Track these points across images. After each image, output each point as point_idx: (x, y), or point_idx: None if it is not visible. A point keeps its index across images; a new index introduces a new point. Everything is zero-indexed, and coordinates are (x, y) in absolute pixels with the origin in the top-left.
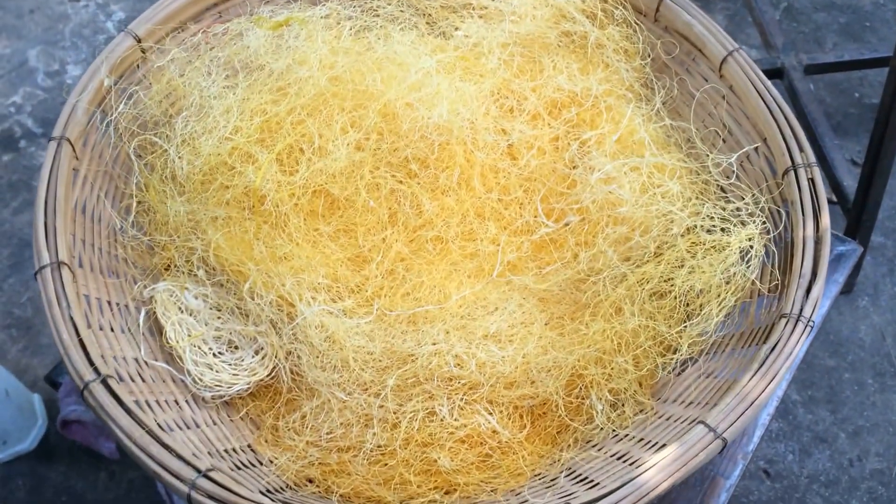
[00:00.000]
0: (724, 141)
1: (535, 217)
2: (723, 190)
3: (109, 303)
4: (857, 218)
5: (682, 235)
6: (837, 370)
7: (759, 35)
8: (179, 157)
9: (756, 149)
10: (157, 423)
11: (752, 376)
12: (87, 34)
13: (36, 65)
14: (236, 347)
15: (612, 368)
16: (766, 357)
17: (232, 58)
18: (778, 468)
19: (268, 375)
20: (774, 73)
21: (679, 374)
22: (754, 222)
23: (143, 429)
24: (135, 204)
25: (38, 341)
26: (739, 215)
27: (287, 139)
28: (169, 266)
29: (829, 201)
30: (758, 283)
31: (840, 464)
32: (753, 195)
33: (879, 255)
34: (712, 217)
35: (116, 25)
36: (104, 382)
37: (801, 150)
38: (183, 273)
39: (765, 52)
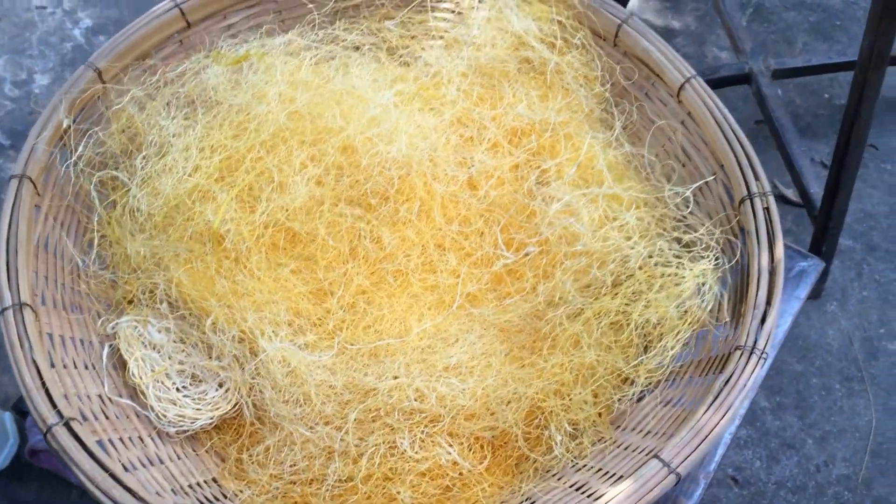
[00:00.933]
0: (683, 165)
1: (496, 248)
2: (684, 217)
3: (73, 339)
4: (823, 225)
5: (639, 268)
6: (805, 375)
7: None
8: (140, 196)
9: (715, 175)
10: (121, 463)
11: (707, 410)
12: (55, 42)
13: (3, 74)
14: (200, 381)
15: (570, 400)
16: (721, 390)
17: (191, 93)
18: (746, 475)
19: (231, 409)
20: (742, 79)
21: (638, 401)
22: (708, 256)
23: (106, 472)
24: (97, 239)
25: (7, 360)
26: (695, 249)
27: (246, 178)
28: (132, 300)
29: (797, 205)
30: (715, 312)
31: (807, 469)
32: (707, 227)
33: (848, 259)
34: (669, 249)
35: (83, 33)
36: (67, 425)
37: (757, 178)
38: (146, 307)
39: (734, 55)
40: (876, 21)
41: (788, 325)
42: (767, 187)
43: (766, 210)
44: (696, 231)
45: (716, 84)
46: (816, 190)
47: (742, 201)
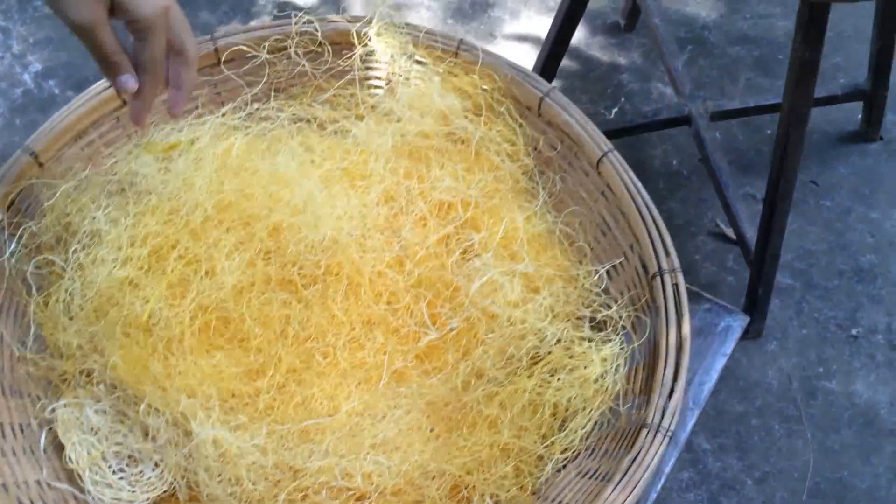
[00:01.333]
0: (604, 235)
1: (422, 325)
2: (598, 295)
3: (12, 425)
4: (758, 269)
5: (557, 341)
6: (746, 416)
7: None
8: (73, 286)
9: (632, 246)
10: None
11: (614, 489)
12: (4, 87)
13: None
14: (137, 462)
15: (492, 475)
16: (628, 468)
17: (123, 181)
18: None
19: (166, 490)
20: (683, 121)
21: (560, 470)
22: (618, 337)
23: None
24: (34, 323)
25: None
26: (608, 328)
27: (176, 267)
28: (70, 383)
29: (734, 242)
30: (630, 383)
31: None
32: (621, 303)
33: (788, 297)
34: (580, 330)
35: (33, 77)
36: None
37: (668, 254)
38: (83, 389)
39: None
40: (793, 86)
41: (713, 383)
42: (677, 264)
43: (675, 286)
44: (611, 307)
45: (657, 126)
46: (752, 234)
47: (653, 277)
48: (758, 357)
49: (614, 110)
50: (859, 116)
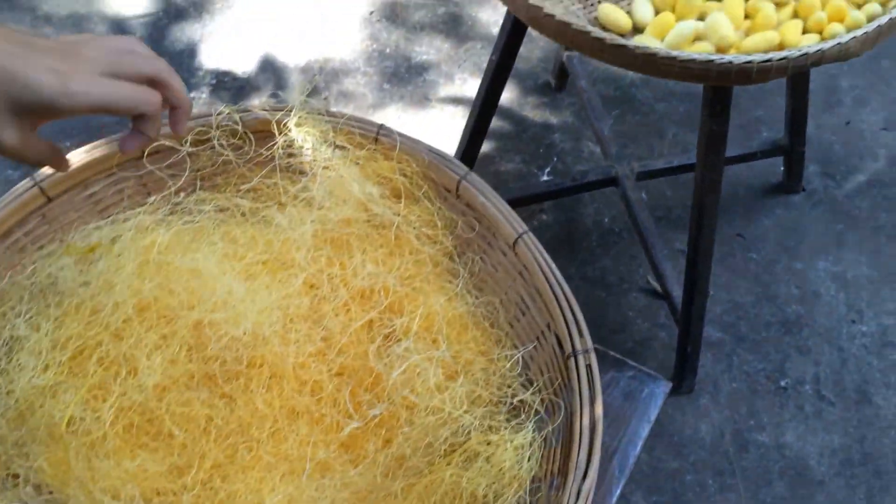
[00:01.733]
0: (523, 314)
1: (345, 414)
2: (514, 379)
3: None
4: (685, 328)
5: (472, 431)
6: (681, 472)
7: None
8: None
9: (549, 325)
10: None
11: None
12: None
13: None
14: None
15: None
16: None
17: (43, 284)
18: None
19: None
20: (610, 182)
21: None
22: (532, 423)
23: None
24: None
25: None
26: (524, 411)
27: (97, 371)
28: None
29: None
30: (549, 463)
31: None
32: (537, 385)
33: (718, 350)
34: (495, 416)
35: None
36: None
37: (581, 335)
38: (11, 491)
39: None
40: (703, 156)
41: (638, 450)
42: (590, 345)
43: (588, 367)
44: (528, 388)
45: (586, 188)
46: (678, 293)
47: (568, 357)
48: (691, 412)
49: (547, 170)
50: (781, 168)
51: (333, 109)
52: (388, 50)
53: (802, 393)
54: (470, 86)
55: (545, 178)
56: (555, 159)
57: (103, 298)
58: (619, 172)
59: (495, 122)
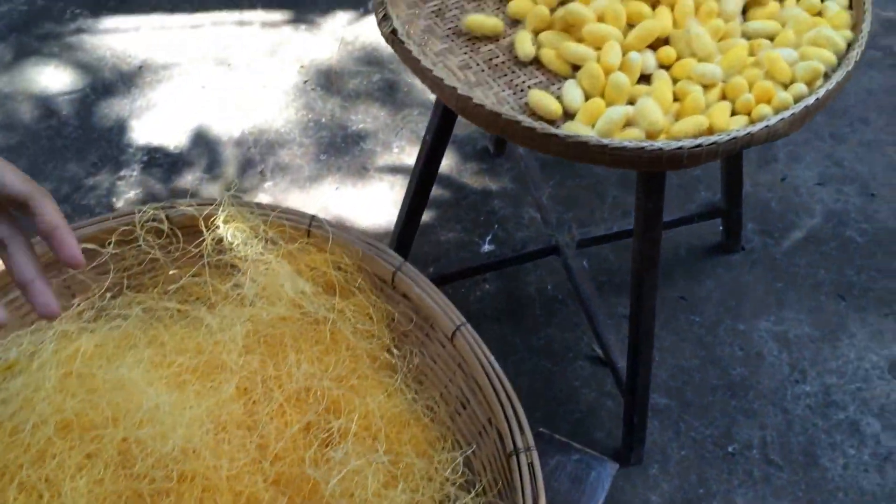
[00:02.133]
0: (464, 408)
1: None
2: (468, 462)
3: None
4: (630, 399)
5: None
6: None
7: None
8: None
9: (490, 420)
10: None
11: None
12: None
13: None
14: None
15: None
16: None
17: None
18: None
19: None
20: (551, 251)
21: None
22: None
23: None
24: None
25: None
26: None
27: (17, 500)
28: None
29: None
30: None
31: None
32: (478, 487)
33: (666, 418)
34: None
35: None
36: None
37: (522, 432)
38: None
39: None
40: (640, 234)
41: None
42: (531, 442)
43: (531, 465)
44: (471, 490)
45: (527, 258)
46: (622, 364)
47: (510, 455)
48: (641, 483)
49: (488, 238)
50: (721, 228)
51: (269, 184)
52: (323, 119)
53: (750, 458)
54: (408, 153)
55: (486, 247)
56: (496, 227)
57: (23, 417)
58: (559, 241)
59: (434, 190)
